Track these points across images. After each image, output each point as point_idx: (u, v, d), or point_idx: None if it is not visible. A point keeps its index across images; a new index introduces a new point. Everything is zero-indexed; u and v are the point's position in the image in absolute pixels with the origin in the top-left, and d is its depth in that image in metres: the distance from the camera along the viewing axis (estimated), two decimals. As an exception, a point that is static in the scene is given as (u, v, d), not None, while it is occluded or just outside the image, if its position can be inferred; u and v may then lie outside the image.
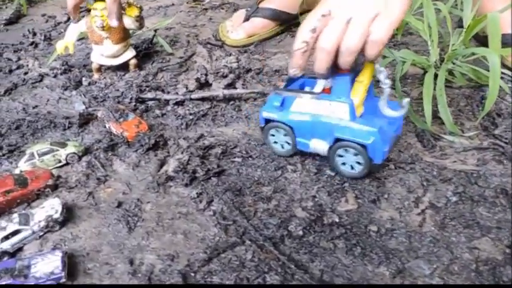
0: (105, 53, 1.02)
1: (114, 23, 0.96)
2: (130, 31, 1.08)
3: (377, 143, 0.63)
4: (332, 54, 0.60)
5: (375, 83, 0.71)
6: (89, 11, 1.01)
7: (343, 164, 0.68)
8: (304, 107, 0.69)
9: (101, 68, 1.06)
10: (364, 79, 0.65)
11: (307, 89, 0.71)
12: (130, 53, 1.06)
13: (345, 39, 0.59)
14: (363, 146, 0.64)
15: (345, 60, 0.60)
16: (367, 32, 0.58)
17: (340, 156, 0.68)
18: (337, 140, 0.66)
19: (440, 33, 0.92)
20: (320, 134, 0.68)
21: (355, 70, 0.64)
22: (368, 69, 0.65)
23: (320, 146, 0.69)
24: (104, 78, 1.04)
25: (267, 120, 0.73)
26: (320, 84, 0.67)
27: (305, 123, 0.69)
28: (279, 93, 0.71)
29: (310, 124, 0.68)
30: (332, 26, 0.59)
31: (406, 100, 0.64)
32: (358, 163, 0.67)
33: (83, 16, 1.04)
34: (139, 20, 1.04)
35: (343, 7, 0.59)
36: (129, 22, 1.02)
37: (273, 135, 0.74)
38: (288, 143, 0.73)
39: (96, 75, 1.05)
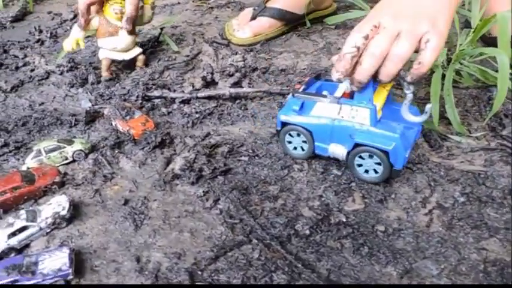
0: (120, 45, 1.01)
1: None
2: (137, 28, 1.08)
3: (398, 148, 0.63)
4: (379, 61, 0.60)
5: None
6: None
7: (361, 166, 0.68)
8: (324, 111, 0.68)
9: (111, 66, 1.05)
10: (386, 85, 0.65)
11: (324, 92, 0.71)
12: (138, 48, 1.06)
13: (395, 47, 0.60)
14: (384, 151, 0.64)
15: (390, 69, 0.61)
16: (416, 43, 0.60)
17: (361, 158, 0.67)
18: (357, 145, 0.66)
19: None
20: (339, 139, 0.68)
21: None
22: None
23: (339, 150, 0.68)
24: (112, 74, 1.04)
25: (284, 123, 0.73)
26: (341, 89, 0.67)
27: (324, 127, 0.68)
28: (299, 96, 0.71)
29: (330, 128, 0.68)
30: (383, 35, 0.61)
31: (429, 106, 0.63)
32: (376, 170, 0.66)
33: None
34: (154, 7, 1.05)
35: (395, 21, 0.61)
36: (145, 11, 1.05)
37: (290, 138, 0.74)
38: (303, 148, 0.73)
39: (106, 73, 1.04)
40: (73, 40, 1.00)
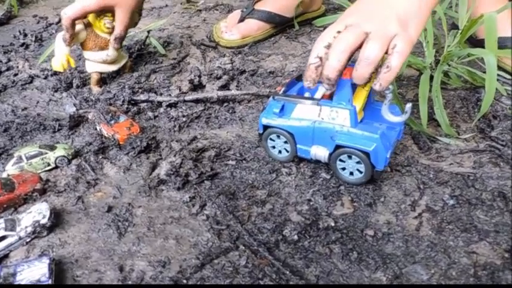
0: (109, 58, 0.98)
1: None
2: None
3: (379, 149, 0.62)
4: (345, 55, 0.59)
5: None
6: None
7: (344, 169, 0.67)
8: (304, 113, 0.67)
9: (100, 80, 1.00)
10: (365, 85, 0.64)
11: (306, 94, 0.70)
12: (126, 56, 1.04)
13: (363, 49, 0.59)
14: (365, 152, 0.63)
15: (361, 72, 0.59)
16: (386, 46, 0.58)
17: (342, 161, 0.66)
18: (338, 146, 0.65)
19: (435, 35, 0.91)
20: (321, 141, 0.67)
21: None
22: None
23: (321, 152, 0.67)
24: (101, 87, 1.00)
25: (266, 126, 0.72)
26: (320, 91, 0.65)
27: (305, 129, 0.67)
28: (279, 99, 0.70)
29: (311, 131, 0.67)
30: (349, 31, 0.60)
31: (409, 105, 0.63)
32: (359, 170, 0.66)
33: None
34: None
35: (363, 22, 0.60)
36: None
37: (272, 141, 0.73)
38: (287, 150, 0.72)
39: (96, 87, 0.99)
40: (62, 57, 0.93)
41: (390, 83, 0.59)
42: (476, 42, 0.99)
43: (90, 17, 0.95)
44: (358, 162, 0.65)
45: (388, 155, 0.63)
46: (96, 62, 0.99)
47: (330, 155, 0.67)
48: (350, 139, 0.63)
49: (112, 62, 1.00)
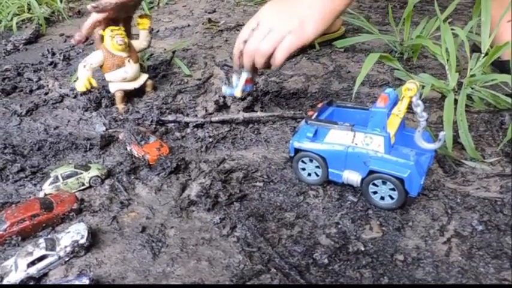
0: (129, 75, 1.03)
1: (90, 6, 0.98)
2: (149, 51, 1.10)
3: (413, 175, 0.63)
4: (253, 53, 0.79)
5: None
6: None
7: (376, 193, 0.68)
8: (338, 138, 0.69)
9: (124, 98, 1.04)
10: (399, 112, 0.66)
11: (336, 119, 0.72)
12: (145, 75, 1.08)
13: (260, 44, 0.78)
14: (399, 178, 0.64)
15: (257, 61, 0.80)
16: (278, 42, 0.76)
17: (375, 185, 0.68)
18: (371, 172, 0.66)
19: (456, 57, 0.93)
20: (353, 166, 0.69)
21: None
22: (404, 102, 0.66)
23: (353, 177, 0.69)
24: (126, 105, 1.04)
25: (297, 150, 0.74)
26: (243, 77, 0.87)
27: (338, 154, 0.69)
28: (312, 123, 0.72)
29: (344, 155, 0.68)
30: (256, 34, 0.79)
31: (442, 133, 0.64)
32: (391, 196, 0.67)
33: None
34: (151, 32, 1.07)
35: (266, 20, 0.78)
36: (143, 37, 1.07)
37: (304, 164, 0.74)
38: (317, 174, 0.73)
39: (121, 105, 1.03)
40: (85, 80, 0.99)
41: (276, 69, 0.81)
42: (499, 64, 1.00)
43: (105, 39, 1.01)
44: (392, 189, 0.66)
45: (421, 182, 0.64)
46: (117, 81, 1.04)
47: (363, 179, 0.68)
48: (384, 165, 0.65)
49: (132, 80, 1.04)
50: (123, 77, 1.03)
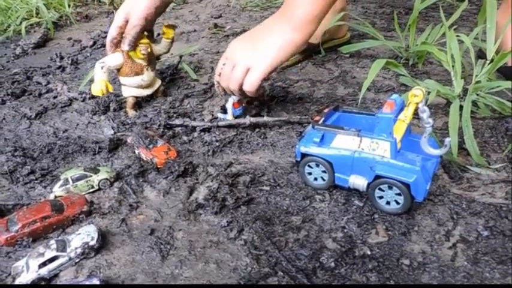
0: (145, 82, 1.03)
1: (125, 47, 1.00)
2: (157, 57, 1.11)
3: (419, 181, 0.64)
4: (227, 81, 0.91)
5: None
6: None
7: (382, 198, 0.69)
8: (344, 143, 0.70)
9: (136, 104, 1.05)
10: (406, 118, 0.67)
11: (342, 124, 0.73)
12: (159, 81, 1.09)
13: (229, 77, 0.89)
14: (405, 184, 0.65)
15: (232, 90, 0.92)
16: (241, 79, 0.88)
17: (381, 190, 0.68)
18: (377, 177, 0.67)
19: (462, 63, 0.94)
20: (360, 171, 0.69)
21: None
22: (410, 108, 0.67)
23: (359, 182, 0.70)
24: (136, 111, 1.05)
25: (303, 154, 0.75)
26: (230, 102, 0.96)
27: (345, 159, 0.70)
28: (319, 129, 0.73)
29: (350, 160, 0.69)
30: (224, 70, 0.91)
31: (448, 139, 0.65)
32: (397, 201, 0.68)
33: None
34: (173, 42, 1.09)
35: (232, 56, 0.89)
36: (164, 45, 1.08)
37: (310, 168, 0.75)
38: (323, 178, 0.74)
39: (132, 111, 1.04)
40: (102, 84, 0.97)
41: (250, 95, 0.91)
42: (504, 69, 1.00)
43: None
44: (398, 194, 0.67)
45: (427, 187, 0.65)
46: (132, 87, 1.04)
47: (369, 184, 0.69)
48: (390, 170, 0.66)
49: (147, 86, 1.05)
50: (139, 84, 1.03)
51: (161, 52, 1.10)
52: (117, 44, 1.01)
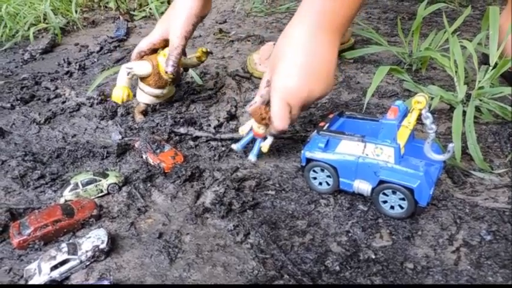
0: (163, 95, 1.05)
1: (169, 69, 0.98)
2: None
3: (423, 186, 0.65)
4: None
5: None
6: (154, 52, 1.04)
7: (386, 202, 0.70)
8: (349, 148, 0.71)
9: (146, 109, 1.06)
10: (409, 124, 0.69)
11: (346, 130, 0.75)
12: (174, 88, 1.11)
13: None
14: (409, 189, 0.66)
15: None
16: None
17: (385, 195, 0.70)
18: (381, 182, 0.69)
19: (465, 69, 0.95)
20: (364, 176, 0.71)
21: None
22: (414, 115, 0.68)
23: (363, 186, 0.71)
24: (144, 116, 1.06)
25: (308, 159, 0.76)
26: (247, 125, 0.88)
27: (349, 164, 0.71)
28: (324, 134, 0.74)
29: (355, 165, 0.71)
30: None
31: (451, 145, 0.66)
32: (401, 206, 0.69)
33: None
34: (202, 61, 1.10)
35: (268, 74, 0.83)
36: (193, 62, 1.09)
37: (315, 173, 0.77)
38: (328, 183, 0.76)
39: (140, 116, 1.04)
40: (123, 91, 0.98)
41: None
42: (508, 74, 1.01)
43: (159, 58, 1.01)
44: (401, 199, 0.68)
45: (431, 192, 0.66)
46: (149, 95, 1.05)
47: (373, 189, 0.70)
48: (394, 175, 0.67)
49: (163, 97, 1.07)
50: (157, 95, 1.04)
51: (187, 67, 1.11)
52: (143, 56, 1.03)
